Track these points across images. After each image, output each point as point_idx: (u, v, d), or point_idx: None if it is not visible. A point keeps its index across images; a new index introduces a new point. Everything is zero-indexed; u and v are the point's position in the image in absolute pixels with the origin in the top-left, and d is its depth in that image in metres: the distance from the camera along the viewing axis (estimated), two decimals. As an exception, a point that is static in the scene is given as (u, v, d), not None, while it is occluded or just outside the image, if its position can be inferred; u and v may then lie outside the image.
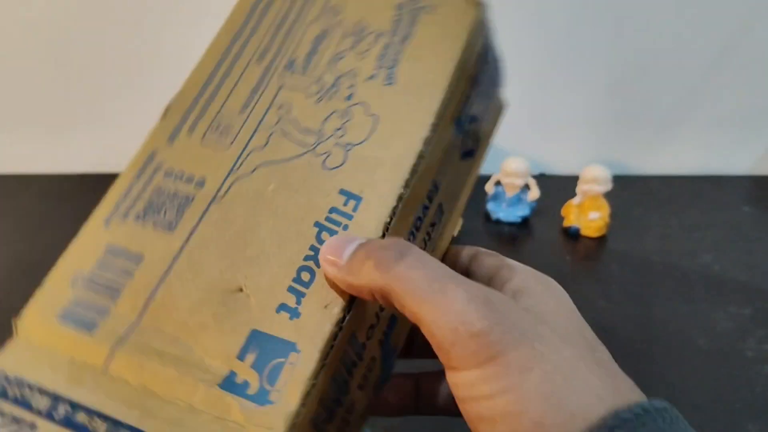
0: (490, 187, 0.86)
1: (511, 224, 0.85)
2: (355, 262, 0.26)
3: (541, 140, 0.96)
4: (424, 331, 0.24)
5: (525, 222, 0.85)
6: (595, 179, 0.80)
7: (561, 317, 0.26)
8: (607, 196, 0.81)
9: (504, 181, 0.84)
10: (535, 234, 0.83)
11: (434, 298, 0.23)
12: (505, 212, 0.85)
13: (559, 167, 0.97)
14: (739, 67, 0.90)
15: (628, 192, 0.91)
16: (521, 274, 0.29)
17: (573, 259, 0.78)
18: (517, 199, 0.85)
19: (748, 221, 0.86)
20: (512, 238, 0.83)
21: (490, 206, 0.86)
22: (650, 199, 0.91)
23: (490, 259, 0.32)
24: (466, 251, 0.34)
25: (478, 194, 0.88)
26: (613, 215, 0.82)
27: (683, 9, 0.87)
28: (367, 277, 0.25)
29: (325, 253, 0.28)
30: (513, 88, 0.92)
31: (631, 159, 0.96)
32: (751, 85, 0.92)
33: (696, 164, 0.97)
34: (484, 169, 0.89)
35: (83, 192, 0.93)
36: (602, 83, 0.92)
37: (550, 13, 0.87)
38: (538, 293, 0.27)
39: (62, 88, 0.93)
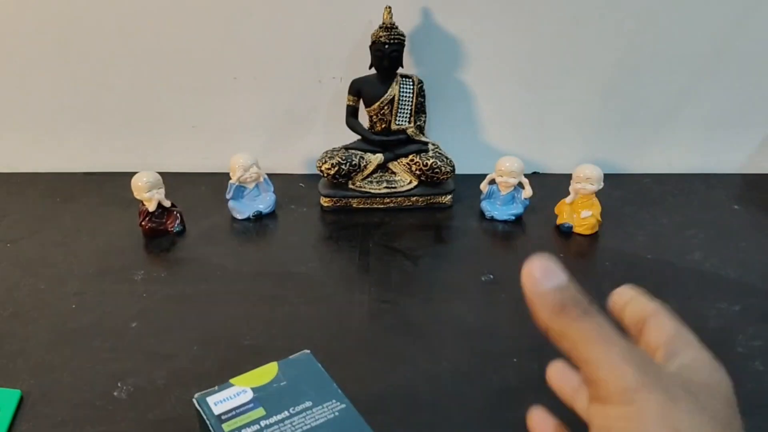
0: (484, 186, 0.87)
1: (504, 222, 0.86)
2: (550, 298, 0.30)
3: (535, 140, 0.96)
4: (585, 369, 0.29)
5: (518, 220, 0.86)
6: (587, 178, 0.81)
7: (712, 400, 0.30)
8: (599, 194, 0.82)
9: (498, 179, 0.85)
10: (529, 232, 0.84)
11: (604, 352, 0.28)
12: (499, 210, 0.86)
13: (552, 166, 0.98)
14: (730, 68, 0.91)
15: (620, 190, 0.92)
16: (686, 356, 0.32)
17: (565, 257, 0.79)
18: (511, 198, 0.86)
19: (738, 219, 0.87)
20: (506, 236, 0.83)
21: (485, 205, 0.87)
22: (641, 197, 0.92)
23: (667, 325, 0.34)
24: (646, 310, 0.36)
25: (473, 193, 0.89)
26: (605, 213, 0.83)
27: (674, 11, 0.87)
28: (552, 315, 0.30)
29: (533, 269, 0.31)
30: (508, 90, 0.93)
31: (622, 158, 0.97)
32: (742, 85, 0.92)
33: (687, 163, 0.98)
34: (478, 168, 0.91)
35: (87, 190, 0.94)
36: (595, 83, 0.92)
37: (543, 15, 0.88)
38: (700, 375, 0.31)
39: (68, 90, 0.94)
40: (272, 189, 0.89)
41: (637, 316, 0.35)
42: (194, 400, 0.44)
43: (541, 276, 0.31)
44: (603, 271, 0.76)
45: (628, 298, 0.36)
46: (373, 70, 0.85)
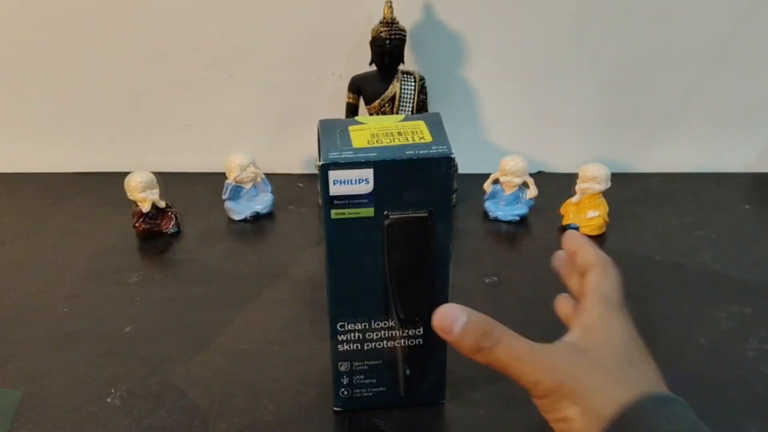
0: (487, 186, 0.86)
1: (508, 223, 0.84)
2: (464, 341, 0.39)
3: (540, 138, 0.95)
4: (517, 381, 0.39)
5: (523, 221, 0.84)
6: (593, 177, 0.80)
7: (606, 350, 0.40)
8: (606, 194, 0.81)
9: (502, 179, 0.84)
10: (533, 233, 0.83)
11: (521, 369, 0.38)
12: (503, 211, 0.84)
13: (558, 165, 0.97)
14: (739, 65, 0.90)
15: (627, 190, 0.91)
16: (591, 312, 0.42)
17: (572, 258, 0.78)
18: (515, 198, 0.85)
19: (748, 219, 0.85)
20: (510, 237, 0.82)
21: (488, 205, 0.85)
22: (649, 197, 0.90)
23: (590, 277, 0.45)
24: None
25: (476, 193, 0.88)
26: (612, 213, 0.82)
27: (681, 8, 0.87)
28: (472, 354, 0.39)
29: (439, 322, 0.39)
30: (512, 87, 0.92)
31: (629, 157, 0.96)
32: (751, 82, 0.91)
33: (695, 162, 0.97)
34: (482, 167, 0.90)
35: (80, 191, 0.93)
36: (601, 80, 0.92)
37: (549, 11, 0.87)
38: (597, 332, 0.41)
39: (61, 88, 0.93)
40: (270, 189, 0.88)
41: (583, 263, 0.46)
42: (321, 164, 0.44)
43: (449, 325, 0.39)
44: (610, 273, 0.74)
45: (578, 245, 0.47)
46: (374, 67, 0.84)
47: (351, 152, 0.43)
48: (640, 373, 0.40)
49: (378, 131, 0.46)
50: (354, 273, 0.47)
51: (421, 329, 0.50)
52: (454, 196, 0.88)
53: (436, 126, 0.47)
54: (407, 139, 0.45)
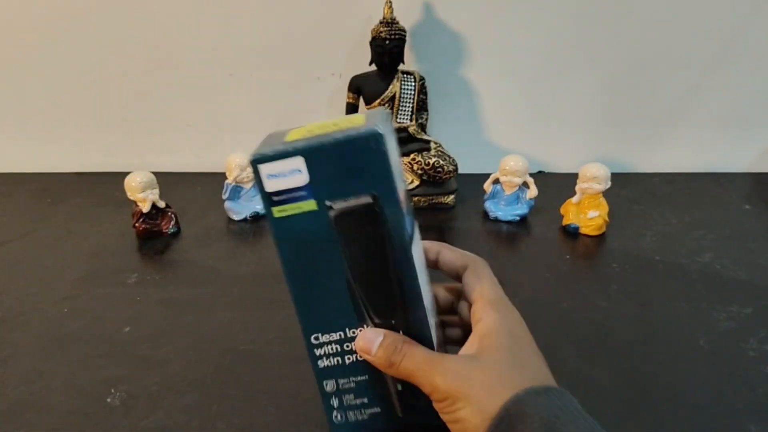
0: (488, 186, 0.85)
1: (509, 223, 0.84)
2: (380, 359, 0.45)
3: (540, 138, 0.95)
4: (421, 387, 0.44)
5: (523, 221, 0.84)
6: (594, 177, 0.79)
7: (495, 354, 0.43)
8: (607, 193, 0.81)
9: (502, 179, 0.84)
10: (534, 232, 0.83)
11: (422, 376, 0.43)
12: (503, 211, 0.84)
13: (558, 165, 0.96)
14: (739, 65, 0.90)
15: (628, 190, 0.90)
16: (484, 322, 0.45)
17: (572, 258, 0.77)
18: (515, 198, 0.84)
19: (749, 219, 0.85)
20: (511, 237, 0.82)
21: (488, 205, 0.85)
22: (650, 197, 0.90)
23: (467, 281, 0.49)
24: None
25: (476, 193, 0.87)
26: (613, 213, 0.81)
27: (681, 8, 0.86)
28: (387, 369, 0.45)
29: (362, 343, 0.45)
30: (512, 87, 0.92)
31: (630, 157, 0.96)
32: (751, 82, 0.91)
33: (696, 162, 0.96)
34: (482, 167, 0.89)
35: (79, 191, 0.93)
36: (602, 80, 0.91)
37: (549, 10, 0.87)
38: (488, 339, 0.44)
39: (61, 88, 0.93)
40: (270, 189, 0.87)
41: (451, 267, 0.50)
42: (251, 160, 0.42)
43: (369, 345, 0.45)
44: (610, 273, 0.74)
45: (436, 252, 0.51)
46: (374, 67, 0.84)
47: (281, 145, 0.42)
48: (524, 371, 0.43)
49: (315, 128, 0.44)
50: (314, 277, 0.45)
51: (401, 333, 0.46)
52: (454, 196, 0.87)
53: (376, 116, 0.44)
54: (340, 128, 0.42)
